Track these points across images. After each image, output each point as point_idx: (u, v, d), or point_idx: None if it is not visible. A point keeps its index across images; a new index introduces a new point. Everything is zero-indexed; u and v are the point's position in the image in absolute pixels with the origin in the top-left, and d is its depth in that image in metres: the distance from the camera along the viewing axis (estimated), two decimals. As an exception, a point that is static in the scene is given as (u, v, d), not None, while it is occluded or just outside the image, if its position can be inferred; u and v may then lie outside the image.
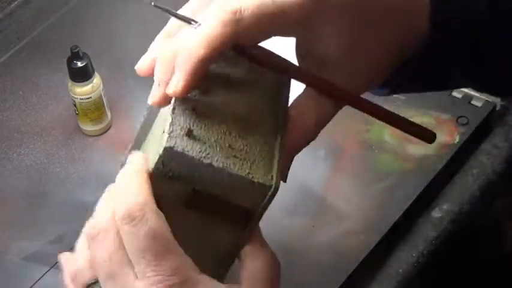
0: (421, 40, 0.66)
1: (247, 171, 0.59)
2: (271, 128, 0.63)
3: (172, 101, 0.61)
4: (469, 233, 1.12)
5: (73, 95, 1.13)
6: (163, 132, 0.59)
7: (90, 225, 0.61)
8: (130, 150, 0.70)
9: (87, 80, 1.12)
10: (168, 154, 0.58)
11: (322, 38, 0.63)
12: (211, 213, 0.61)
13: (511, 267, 1.27)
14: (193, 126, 0.60)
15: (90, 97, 1.13)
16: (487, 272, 1.24)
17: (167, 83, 0.60)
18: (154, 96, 0.62)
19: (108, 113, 1.17)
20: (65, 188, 1.11)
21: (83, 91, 1.13)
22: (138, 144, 0.70)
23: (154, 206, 0.59)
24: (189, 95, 0.61)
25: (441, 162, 1.10)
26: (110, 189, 0.62)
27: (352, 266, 1.02)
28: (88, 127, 1.16)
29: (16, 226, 1.07)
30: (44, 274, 1.02)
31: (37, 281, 1.02)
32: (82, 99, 1.13)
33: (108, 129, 1.17)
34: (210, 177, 0.59)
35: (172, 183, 0.59)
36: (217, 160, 0.59)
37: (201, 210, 0.61)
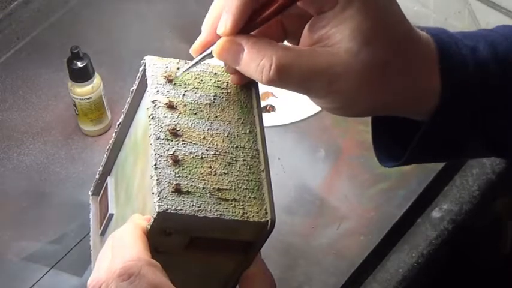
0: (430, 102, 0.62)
1: (241, 212, 0.60)
2: (252, 155, 0.63)
3: (152, 151, 0.61)
4: (469, 233, 1.12)
5: (73, 95, 1.13)
6: (153, 193, 0.59)
7: (92, 278, 0.61)
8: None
9: (87, 80, 1.12)
10: (163, 217, 0.59)
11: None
12: (211, 249, 0.62)
13: (511, 267, 1.27)
14: (179, 178, 0.60)
15: (90, 97, 1.13)
16: (487, 271, 1.24)
17: (210, 30, 0.61)
18: (195, 42, 0.62)
19: (108, 113, 1.17)
20: (65, 188, 1.11)
21: (83, 91, 1.13)
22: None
23: (149, 259, 0.58)
24: (165, 141, 0.61)
25: (441, 162, 1.10)
26: (113, 235, 0.61)
27: (353, 266, 1.03)
28: (88, 127, 1.16)
29: (16, 226, 1.07)
30: (44, 274, 1.03)
31: (37, 281, 1.02)
32: (82, 99, 1.13)
33: (108, 129, 1.17)
34: (206, 226, 0.60)
35: (170, 237, 0.60)
36: (210, 210, 0.59)
37: (201, 249, 0.62)
